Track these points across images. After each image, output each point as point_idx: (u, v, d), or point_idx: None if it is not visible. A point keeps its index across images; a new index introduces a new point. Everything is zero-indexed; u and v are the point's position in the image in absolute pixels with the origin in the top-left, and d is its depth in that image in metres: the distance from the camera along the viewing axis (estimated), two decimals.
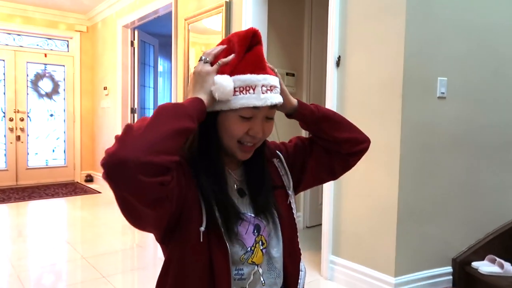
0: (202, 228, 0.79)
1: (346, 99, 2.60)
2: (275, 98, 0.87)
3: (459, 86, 2.45)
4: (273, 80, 0.87)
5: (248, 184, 0.92)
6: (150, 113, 5.70)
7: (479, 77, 2.53)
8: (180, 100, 4.67)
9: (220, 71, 0.83)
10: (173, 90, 4.93)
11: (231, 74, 0.82)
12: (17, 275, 2.57)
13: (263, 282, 0.87)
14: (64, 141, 6.12)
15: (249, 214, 0.88)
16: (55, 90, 6.05)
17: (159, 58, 6.30)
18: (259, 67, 0.85)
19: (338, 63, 2.63)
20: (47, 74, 5.95)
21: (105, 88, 5.73)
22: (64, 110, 6.10)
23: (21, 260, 2.89)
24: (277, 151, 1.01)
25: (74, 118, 6.12)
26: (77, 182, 6.08)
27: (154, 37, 5.73)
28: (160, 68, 7.10)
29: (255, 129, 0.86)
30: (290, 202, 0.97)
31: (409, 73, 2.27)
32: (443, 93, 2.41)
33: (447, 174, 2.44)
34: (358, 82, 2.52)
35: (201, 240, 0.79)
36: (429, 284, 2.40)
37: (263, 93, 0.84)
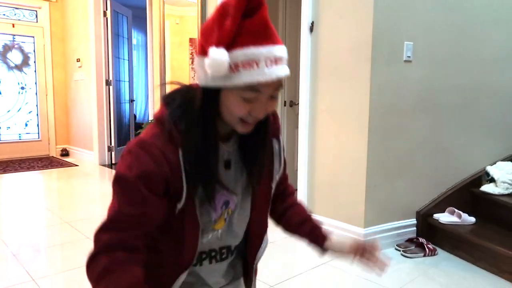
0: (180, 206, 0.81)
1: (319, 64, 2.71)
2: (281, 69, 0.77)
3: (424, 50, 2.60)
4: (279, 50, 0.77)
5: (239, 157, 0.89)
6: (125, 86, 5.66)
7: (443, 42, 2.68)
8: (156, 74, 4.65)
9: (216, 43, 0.73)
10: (148, 63, 4.93)
11: (229, 48, 0.73)
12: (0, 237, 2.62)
13: (219, 237, 0.91)
14: (37, 115, 6.01)
15: (227, 188, 0.88)
16: (25, 62, 5.89)
17: (133, 31, 6.21)
18: (263, 37, 0.75)
19: (311, 29, 2.73)
20: (16, 46, 5.78)
21: (78, 60, 5.63)
22: (36, 83, 5.97)
23: (2, 223, 2.93)
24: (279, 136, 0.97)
25: (46, 91, 6.00)
26: (53, 156, 6.02)
27: (128, 8, 5.63)
28: (134, 41, 6.99)
29: (257, 110, 0.79)
30: (271, 187, 0.96)
31: (378, 38, 2.40)
32: (409, 57, 2.55)
33: (412, 133, 2.62)
34: (330, 47, 2.64)
35: (176, 213, 0.82)
36: (395, 234, 2.61)
37: (267, 66, 0.75)
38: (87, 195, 3.93)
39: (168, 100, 0.84)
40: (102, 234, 0.78)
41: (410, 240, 2.61)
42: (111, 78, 5.27)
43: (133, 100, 6.01)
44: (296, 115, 2.91)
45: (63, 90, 6.09)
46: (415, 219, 2.69)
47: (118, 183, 0.79)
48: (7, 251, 2.44)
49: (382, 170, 2.52)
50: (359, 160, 2.48)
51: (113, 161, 5.39)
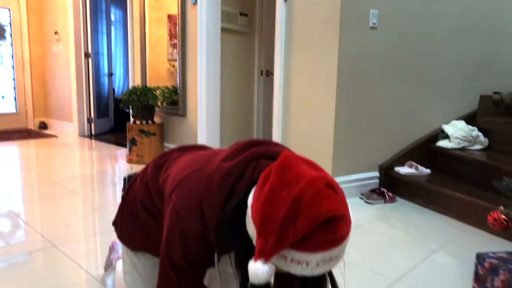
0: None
1: (293, 32, 2.92)
2: (332, 266, 0.75)
3: (389, 19, 2.84)
4: (337, 251, 0.73)
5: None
6: (104, 60, 5.71)
7: (407, 11, 2.93)
8: (136, 49, 4.69)
9: (268, 253, 0.69)
10: (129, 38, 4.98)
11: (290, 246, 0.70)
12: None
13: None
14: (14, 88, 5.99)
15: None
16: (1, 34, 5.84)
17: (110, 7, 6.22)
18: (325, 246, 0.70)
19: None
20: None
21: (56, 33, 5.64)
22: (12, 56, 5.94)
23: None
24: None
25: (23, 64, 5.98)
26: (31, 129, 6.04)
27: None
28: (111, 17, 6.99)
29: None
30: None
31: (346, 6, 2.62)
32: (374, 23, 2.79)
33: (377, 94, 2.87)
34: (303, 16, 2.85)
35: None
36: (360, 185, 2.88)
37: (318, 266, 0.72)
38: (70, 159, 4.05)
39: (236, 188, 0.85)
40: None
41: (373, 190, 2.89)
42: (89, 50, 5.32)
43: (112, 74, 6.07)
44: (272, 85, 3.13)
45: (41, 63, 6.08)
46: (378, 172, 2.98)
47: None
48: (2, 205, 2.58)
49: (348, 127, 2.77)
50: (328, 119, 2.72)
51: (93, 132, 5.48)
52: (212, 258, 0.92)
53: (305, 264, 0.71)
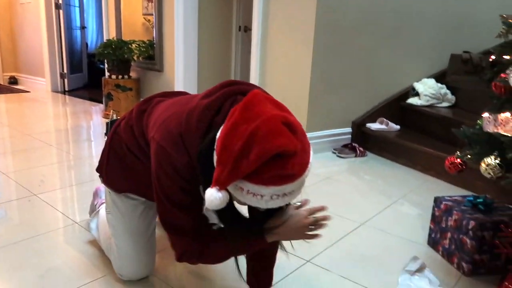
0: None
1: None
2: (286, 200, 0.80)
3: None
4: (291, 187, 0.78)
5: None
6: (76, 12, 5.48)
7: None
8: (110, 6, 4.51)
9: (222, 182, 0.76)
10: None
11: (244, 178, 0.76)
12: None
13: None
14: None
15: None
16: None
17: None
18: (277, 181, 0.76)
19: None
20: None
21: None
22: None
23: None
24: None
25: None
26: (1, 84, 5.84)
27: None
28: None
29: (258, 208, 0.85)
30: None
31: None
32: None
33: (353, 51, 2.92)
34: None
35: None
36: (333, 140, 2.99)
37: (272, 199, 0.78)
38: (43, 114, 3.98)
39: (211, 121, 0.90)
40: None
41: (345, 145, 3.01)
42: (60, 1, 5.09)
43: (85, 27, 5.86)
44: (250, 41, 3.12)
45: (7, 14, 5.78)
46: (350, 128, 3.09)
47: None
48: None
49: (323, 84, 2.84)
50: (304, 74, 2.77)
51: (66, 88, 5.36)
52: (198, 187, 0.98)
53: (259, 196, 0.77)
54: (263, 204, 0.78)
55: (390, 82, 3.22)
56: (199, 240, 1.00)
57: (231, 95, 0.94)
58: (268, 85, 3.02)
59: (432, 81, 3.12)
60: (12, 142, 2.94)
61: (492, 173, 1.10)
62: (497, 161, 1.10)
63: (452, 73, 3.21)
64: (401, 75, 3.27)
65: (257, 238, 0.98)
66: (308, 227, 0.97)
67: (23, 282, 1.27)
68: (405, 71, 3.28)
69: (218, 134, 0.83)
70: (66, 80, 5.34)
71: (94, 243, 1.52)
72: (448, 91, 3.08)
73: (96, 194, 1.61)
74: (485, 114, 1.19)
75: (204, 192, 0.92)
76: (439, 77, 3.26)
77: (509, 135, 1.04)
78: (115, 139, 1.20)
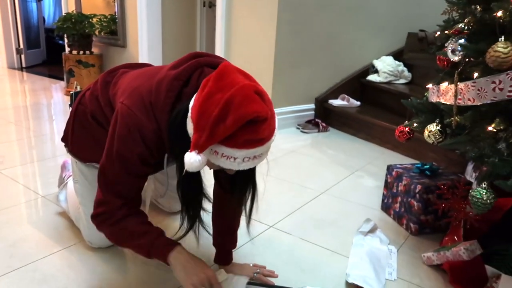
0: None
1: None
2: (256, 162, 0.87)
3: None
4: (261, 150, 0.84)
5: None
6: None
7: None
8: None
9: (200, 145, 0.80)
10: None
11: (220, 142, 0.81)
12: None
13: None
14: None
15: None
16: None
17: None
18: (249, 144, 0.82)
19: None
20: None
21: None
22: None
23: None
24: None
25: None
26: None
27: None
28: None
29: (228, 171, 0.91)
30: None
31: None
32: None
33: (315, 28, 2.99)
34: None
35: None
36: (297, 116, 3.09)
37: (244, 162, 0.84)
38: (2, 91, 3.83)
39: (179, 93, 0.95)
40: None
41: (308, 121, 3.12)
42: None
43: (41, 0, 5.59)
44: (215, 17, 3.11)
45: None
46: (313, 104, 3.19)
47: None
48: None
49: (287, 60, 2.90)
50: (268, 50, 2.82)
51: (23, 64, 5.14)
52: (162, 159, 1.03)
53: (233, 159, 0.83)
54: (236, 166, 0.84)
55: (351, 59, 3.33)
56: (124, 209, 1.02)
57: (198, 67, 0.99)
58: (233, 62, 3.04)
59: (390, 59, 3.26)
60: None
61: (434, 139, 1.22)
62: (438, 128, 1.22)
63: (408, 51, 3.36)
64: (362, 52, 3.39)
65: (164, 250, 1.01)
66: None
67: None
68: (365, 49, 3.40)
69: (192, 103, 0.87)
70: (23, 56, 5.12)
71: (63, 214, 1.54)
72: (405, 68, 3.24)
73: (63, 167, 1.62)
74: (429, 85, 1.30)
75: (168, 161, 0.98)
76: (397, 55, 3.41)
77: (448, 103, 1.15)
78: (80, 109, 1.22)
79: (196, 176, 0.95)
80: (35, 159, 2.14)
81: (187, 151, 0.84)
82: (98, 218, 1.04)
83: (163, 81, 0.96)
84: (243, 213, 1.09)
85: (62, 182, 1.59)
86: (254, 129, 0.81)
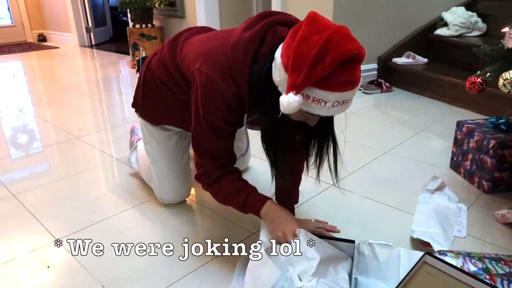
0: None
1: None
2: (344, 109, 0.88)
3: None
4: (350, 94, 0.85)
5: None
6: None
7: None
8: None
9: (298, 86, 0.81)
10: None
11: (314, 84, 0.82)
12: None
13: None
14: None
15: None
16: None
17: None
18: (342, 86, 0.82)
19: None
20: None
21: None
22: None
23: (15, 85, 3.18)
24: None
25: None
26: (30, 41, 6.01)
27: None
28: None
29: (310, 122, 0.94)
30: None
31: None
32: None
33: None
34: None
35: None
36: None
37: (333, 107, 0.84)
38: (74, 68, 4.12)
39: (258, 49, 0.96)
40: None
41: (371, 82, 2.99)
42: None
43: None
44: None
45: None
46: (376, 64, 3.05)
47: None
48: (26, 106, 2.74)
49: (347, 17, 2.78)
50: (327, 8, 2.72)
51: (93, 42, 5.46)
52: (242, 117, 1.06)
53: (323, 103, 0.84)
54: (325, 110, 0.85)
55: (417, 13, 3.11)
56: (219, 169, 1.10)
57: (271, 26, 0.99)
58: None
59: (461, 9, 2.99)
60: (49, 94, 3.11)
61: (510, 87, 1.12)
62: None
63: (483, 0, 3.05)
64: (428, 4, 3.13)
65: (256, 206, 1.08)
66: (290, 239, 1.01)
67: (77, 207, 1.44)
68: (433, 1, 3.15)
69: (279, 52, 0.88)
70: (92, 34, 5.43)
71: (135, 175, 1.66)
72: (478, 19, 2.95)
73: (132, 132, 1.73)
74: (506, 29, 1.18)
75: (246, 121, 1.03)
76: (469, 5, 3.11)
77: None
78: (148, 75, 1.27)
79: (282, 126, 0.97)
80: (108, 127, 2.31)
81: (272, 103, 0.87)
82: (200, 179, 1.13)
83: (238, 44, 0.98)
84: (329, 167, 1.10)
85: (132, 145, 1.70)
86: (350, 69, 0.81)
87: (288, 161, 1.06)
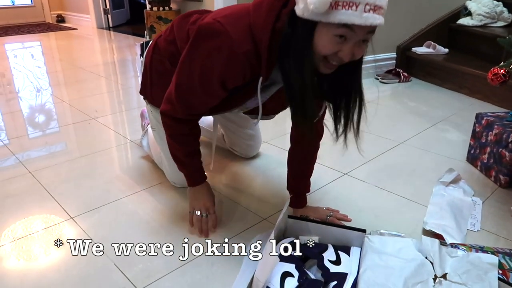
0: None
1: None
2: (377, 19, 0.81)
3: None
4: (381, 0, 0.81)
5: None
6: None
7: None
8: None
9: None
10: None
11: None
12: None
13: None
14: None
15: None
16: None
17: None
18: None
19: None
20: None
21: None
22: None
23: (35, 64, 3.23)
24: None
25: None
26: (49, 22, 6.06)
27: None
28: None
29: (344, 52, 0.85)
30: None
31: None
32: None
33: None
34: None
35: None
36: (376, 65, 2.92)
37: (365, 11, 0.79)
38: (92, 50, 4.15)
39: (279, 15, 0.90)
40: None
41: (388, 71, 2.94)
42: None
43: None
44: None
45: None
46: (395, 53, 2.99)
47: None
48: (43, 85, 2.78)
49: None
50: None
51: (110, 24, 5.47)
52: (239, 87, 1.02)
53: (354, 6, 0.78)
54: (357, 17, 0.79)
55: (439, 2, 3.02)
56: (185, 125, 1.12)
57: None
58: None
59: None
60: (66, 74, 3.14)
61: None
62: None
63: None
64: None
65: (192, 182, 1.23)
66: None
67: (94, 186, 1.46)
68: None
69: None
70: (109, 16, 5.44)
71: (148, 158, 1.67)
72: (504, 9, 2.86)
73: (142, 116, 1.74)
74: None
75: (263, 81, 0.98)
76: None
77: None
78: (155, 59, 1.23)
79: (311, 73, 0.90)
80: (123, 109, 2.33)
81: (297, 58, 0.88)
82: (165, 114, 1.12)
83: (262, 2, 0.93)
84: (351, 128, 1.07)
85: (143, 129, 1.71)
86: None
87: (316, 109, 1.01)
